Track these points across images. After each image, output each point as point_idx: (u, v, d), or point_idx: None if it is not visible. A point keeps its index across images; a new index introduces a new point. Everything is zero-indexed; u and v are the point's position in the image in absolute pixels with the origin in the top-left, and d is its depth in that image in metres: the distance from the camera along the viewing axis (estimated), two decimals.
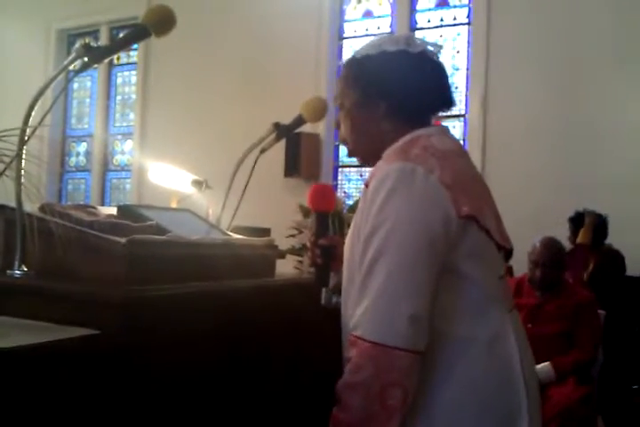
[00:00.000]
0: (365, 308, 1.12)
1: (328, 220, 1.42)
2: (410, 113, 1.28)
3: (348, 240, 1.27)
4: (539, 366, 2.69)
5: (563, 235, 3.30)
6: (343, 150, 5.40)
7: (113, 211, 1.56)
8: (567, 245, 3.65)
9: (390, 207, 1.13)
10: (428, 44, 1.31)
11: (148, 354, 1.17)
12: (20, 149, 1.30)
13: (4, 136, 1.24)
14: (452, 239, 1.16)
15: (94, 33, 6.69)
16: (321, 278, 1.40)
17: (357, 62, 1.32)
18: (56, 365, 1.03)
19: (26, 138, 1.32)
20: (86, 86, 6.82)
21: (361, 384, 1.10)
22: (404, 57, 1.27)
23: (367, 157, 1.33)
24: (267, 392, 1.48)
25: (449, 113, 1.42)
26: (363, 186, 1.25)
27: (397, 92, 1.27)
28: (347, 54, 5.43)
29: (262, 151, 2.04)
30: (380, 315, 1.11)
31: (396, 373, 1.09)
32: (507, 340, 1.22)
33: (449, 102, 1.32)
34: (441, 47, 1.33)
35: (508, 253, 1.35)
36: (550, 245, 2.93)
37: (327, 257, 1.37)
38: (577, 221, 3.77)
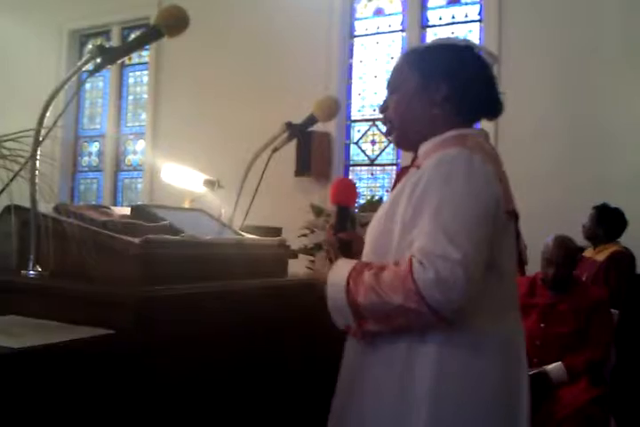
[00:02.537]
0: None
1: (348, 214, 1.42)
2: (465, 103, 1.30)
3: (375, 222, 1.28)
4: (550, 366, 2.66)
5: (575, 233, 3.26)
6: (354, 149, 5.40)
7: (127, 211, 1.56)
8: (581, 237, 3.62)
9: (450, 189, 1.14)
10: (487, 51, 1.35)
11: (163, 353, 1.18)
12: (35, 150, 1.31)
13: (19, 137, 1.25)
14: (497, 231, 1.17)
15: (106, 33, 6.71)
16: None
17: (423, 50, 1.36)
18: (70, 365, 1.04)
19: (40, 139, 1.33)
20: (98, 86, 6.85)
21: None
22: (471, 52, 1.32)
23: (403, 140, 1.37)
24: (280, 390, 1.48)
25: None
26: (395, 174, 1.27)
27: (461, 77, 1.29)
28: (358, 52, 5.41)
29: (274, 150, 2.04)
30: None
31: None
32: (520, 341, 1.25)
33: (498, 108, 1.35)
34: (497, 60, 1.36)
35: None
36: (563, 243, 2.90)
37: (345, 251, 1.37)
38: (601, 212, 3.73)
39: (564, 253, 2.87)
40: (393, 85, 1.37)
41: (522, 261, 1.33)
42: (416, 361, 1.17)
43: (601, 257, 3.69)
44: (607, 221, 3.70)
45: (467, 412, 1.15)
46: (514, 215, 1.22)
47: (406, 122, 1.34)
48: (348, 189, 1.43)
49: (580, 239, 3.47)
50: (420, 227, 1.13)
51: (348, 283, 1.17)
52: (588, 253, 3.78)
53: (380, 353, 1.21)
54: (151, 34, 1.49)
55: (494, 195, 1.17)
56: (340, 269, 1.22)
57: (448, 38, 1.40)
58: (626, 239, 3.72)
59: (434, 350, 1.16)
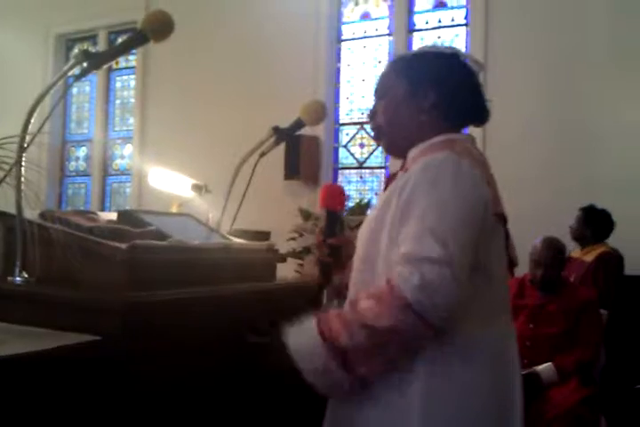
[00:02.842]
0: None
1: (337, 218, 1.43)
2: (452, 110, 1.31)
3: (366, 226, 1.28)
4: (540, 367, 2.68)
5: (562, 234, 3.28)
6: (343, 152, 5.41)
7: (113, 216, 1.56)
8: (568, 238, 3.64)
9: (437, 193, 1.14)
10: (473, 59, 1.37)
11: (150, 359, 1.17)
12: (20, 157, 1.30)
13: (4, 144, 1.24)
14: (486, 234, 1.18)
15: (92, 38, 6.69)
16: (326, 276, 1.41)
17: (411, 57, 1.37)
18: (56, 372, 1.03)
19: (25, 145, 1.32)
20: (85, 91, 6.82)
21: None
22: (457, 60, 1.34)
23: (392, 146, 1.37)
24: (269, 396, 1.48)
25: None
26: (384, 179, 1.28)
27: (449, 84, 1.30)
28: (345, 56, 5.43)
29: (262, 155, 2.04)
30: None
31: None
32: (511, 344, 1.24)
33: (486, 115, 1.36)
34: (483, 68, 1.37)
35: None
36: (551, 244, 2.92)
37: (335, 256, 1.38)
38: (588, 213, 3.74)
39: (553, 254, 2.89)
40: (380, 92, 1.38)
41: (512, 263, 1.33)
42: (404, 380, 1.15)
43: (589, 258, 3.71)
44: (594, 222, 3.73)
45: (456, 423, 1.15)
46: (502, 218, 1.23)
47: (394, 128, 1.34)
48: (337, 195, 1.45)
49: (567, 240, 3.49)
50: (406, 231, 1.12)
51: (321, 333, 1.11)
52: (576, 253, 3.80)
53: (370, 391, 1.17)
54: (137, 39, 1.48)
55: (482, 198, 1.17)
56: (304, 330, 1.15)
57: (435, 46, 1.41)
58: (613, 240, 3.75)
59: (422, 369, 1.14)
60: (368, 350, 1.09)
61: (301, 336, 1.14)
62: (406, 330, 1.06)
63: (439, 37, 4.99)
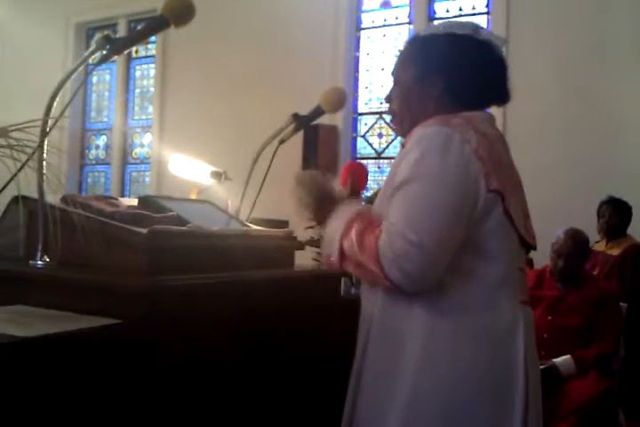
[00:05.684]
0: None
1: (359, 198, 1.42)
2: (463, 98, 1.28)
3: (375, 206, 1.28)
4: (559, 360, 2.66)
5: (583, 226, 3.24)
6: (361, 142, 5.39)
7: (134, 202, 1.56)
8: (588, 229, 3.60)
9: (423, 166, 1.14)
10: (493, 35, 1.32)
11: (169, 343, 1.18)
12: (42, 140, 1.31)
13: (26, 127, 1.24)
14: (479, 212, 1.16)
15: (113, 26, 6.71)
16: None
17: (422, 39, 1.34)
18: (78, 354, 1.04)
19: (47, 129, 1.33)
20: (105, 80, 6.85)
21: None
22: (469, 41, 1.29)
23: (406, 131, 1.33)
24: (285, 381, 1.49)
25: None
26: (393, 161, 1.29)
27: (458, 72, 1.27)
28: (364, 45, 5.40)
29: (281, 142, 2.04)
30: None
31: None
32: (515, 334, 1.19)
33: (504, 95, 1.33)
34: (505, 41, 1.33)
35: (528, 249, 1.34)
36: (575, 235, 2.89)
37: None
38: (621, 206, 3.66)
39: (576, 245, 2.85)
40: (395, 76, 1.37)
41: (526, 245, 1.28)
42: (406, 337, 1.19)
43: (615, 251, 3.65)
44: (627, 215, 3.67)
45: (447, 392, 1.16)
46: (498, 194, 1.18)
47: (406, 113, 1.33)
48: (357, 174, 1.44)
49: (588, 232, 3.45)
50: (393, 205, 1.15)
51: (345, 227, 1.19)
52: (600, 246, 3.72)
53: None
54: (157, 24, 1.48)
55: (471, 174, 1.15)
56: (347, 211, 1.24)
57: (450, 24, 1.33)
58: (632, 232, 3.69)
59: (420, 329, 1.18)
60: (353, 261, 1.18)
61: (335, 222, 1.24)
62: (381, 281, 1.14)
63: None
